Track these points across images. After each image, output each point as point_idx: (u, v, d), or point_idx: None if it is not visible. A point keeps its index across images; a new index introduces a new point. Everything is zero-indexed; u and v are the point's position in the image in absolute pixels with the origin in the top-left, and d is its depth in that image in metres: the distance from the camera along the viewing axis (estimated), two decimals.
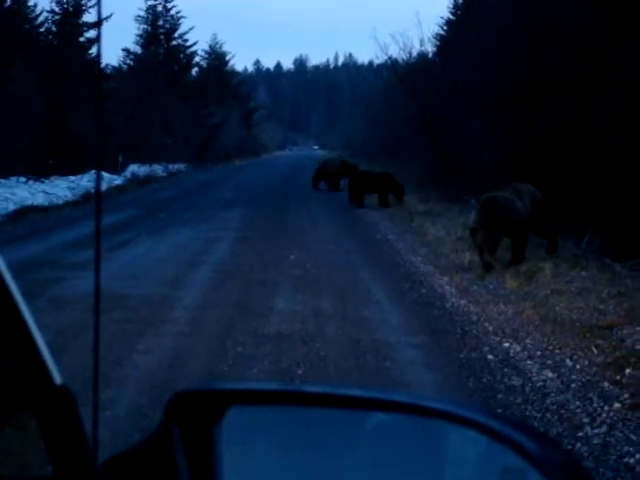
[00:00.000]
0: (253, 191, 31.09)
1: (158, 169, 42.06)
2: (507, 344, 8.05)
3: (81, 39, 39.35)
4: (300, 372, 7.01)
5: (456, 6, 38.55)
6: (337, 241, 16.46)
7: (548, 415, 5.95)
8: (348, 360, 7.51)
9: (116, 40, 53.88)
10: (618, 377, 6.59)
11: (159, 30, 56.14)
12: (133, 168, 38.54)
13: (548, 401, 6.26)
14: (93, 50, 38.54)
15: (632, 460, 5.11)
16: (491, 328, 8.78)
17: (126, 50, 53.68)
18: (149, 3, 55.16)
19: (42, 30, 38.40)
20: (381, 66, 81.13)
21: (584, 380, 6.68)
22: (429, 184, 28.12)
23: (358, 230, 18.71)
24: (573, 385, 6.60)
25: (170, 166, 44.69)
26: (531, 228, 12.54)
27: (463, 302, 10.19)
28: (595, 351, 7.37)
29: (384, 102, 50.28)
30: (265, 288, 11.05)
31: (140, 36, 54.83)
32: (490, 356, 7.62)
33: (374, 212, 22.75)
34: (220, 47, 69.14)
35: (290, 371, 7.02)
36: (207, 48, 67.74)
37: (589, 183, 15.70)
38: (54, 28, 38.82)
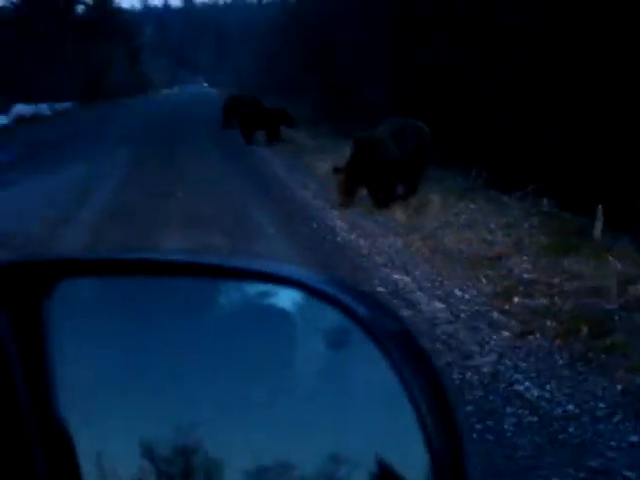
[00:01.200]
0: (141, 131, 30.44)
1: (44, 108, 40.81)
2: (397, 276, 7.99)
3: None
4: None
5: None
6: (226, 177, 16.19)
7: (438, 345, 5.90)
8: None
9: None
10: (507, 306, 6.58)
11: None
12: (19, 108, 37.29)
13: (438, 331, 6.21)
14: None
15: (521, 387, 5.10)
16: (381, 260, 8.71)
17: None
18: None
19: None
20: (270, 4, 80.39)
21: (473, 310, 6.66)
22: (320, 121, 27.96)
23: (247, 166, 18.43)
24: (462, 315, 6.56)
25: (57, 105, 43.42)
26: (400, 173, 12.28)
27: (353, 236, 10.10)
28: (484, 281, 7.36)
29: (273, 38, 49.85)
30: (153, 227, 10.76)
31: None
32: (380, 288, 7.54)
33: (262, 149, 22.46)
34: None
35: None
36: None
37: (476, 116, 15.80)
38: None
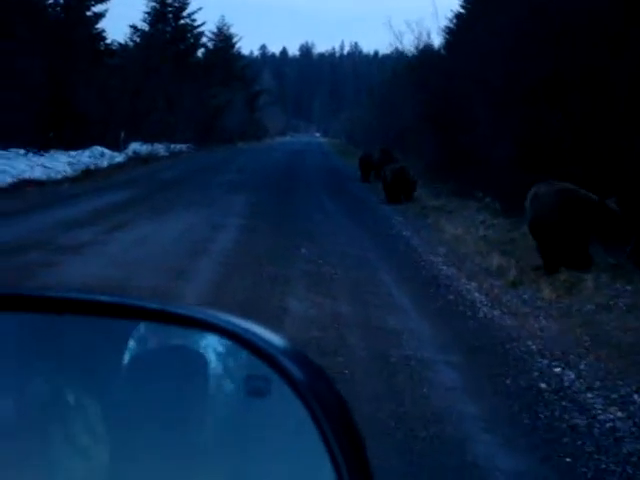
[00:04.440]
0: (257, 176, 30.25)
1: (160, 148, 41.13)
2: (558, 369, 7.01)
3: (88, 13, 38.09)
4: None
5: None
6: (350, 234, 15.48)
7: (629, 469, 4.92)
8: (378, 381, 6.50)
9: (124, 17, 52.97)
10: None
11: (167, 8, 55.18)
12: (135, 146, 37.58)
13: (624, 450, 5.21)
14: (99, 25, 37.54)
15: None
16: (535, 347, 7.74)
17: (133, 27, 52.84)
18: None
19: (49, 2, 37.16)
20: (386, 57, 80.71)
21: None
22: (437, 177, 27.12)
23: (371, 223, 17.71)
24: None
25: (172, 146, 43.77)
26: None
27: (497, 313, 9.17)
28: None
29: (389, 91, 49.75)
30: (276, 284, 10.07)
31: (148, 13, 54.00)
32: (542, 384, 6.58)
33: (384, 206, 21.74)
34: (227, 29, 68.96)
35: None
36: (214, 29, 67.17)
37: (609, 183, 14.71)
38: (61, 0, 37.59)
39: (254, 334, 1.20)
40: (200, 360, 1.26)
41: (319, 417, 1.11)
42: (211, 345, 1.25)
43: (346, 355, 7.13)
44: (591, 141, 17.31)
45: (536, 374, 6.90)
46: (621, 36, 15.71)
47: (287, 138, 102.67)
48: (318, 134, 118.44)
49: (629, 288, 9.67)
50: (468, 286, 10.71)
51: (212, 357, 1.26)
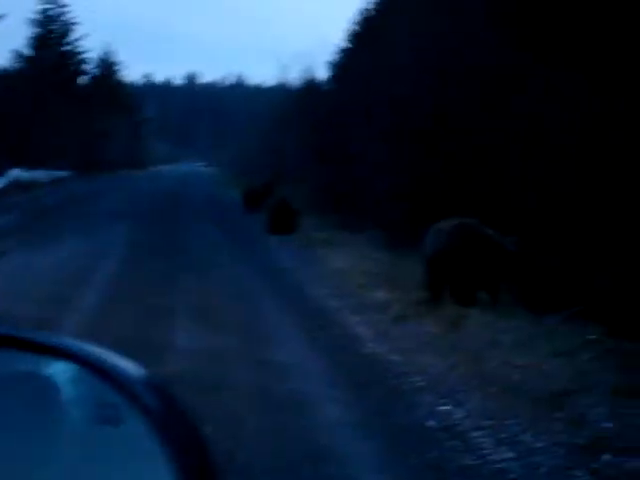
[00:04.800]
0: (141, 204, 29.72)
1: (42, 175, 40.01)
2: (446, 407, 6.87)
3: None
4: None
5: (353, 35, 37.85)
6: (235, 265, 15.19)
7: None
8: (262, 417, 6.24)
9: (8, 42, 51.97)
10: (594, 464, 5.45)
11: (51, 34, 54.04)
12: (16, 172, 36.44)
13: None
14: None
15: None
16: (422, 383, 7.61)
17: (17, 52, 51.69)
18: (43, 6, 53.18)
19: None
20: (271, 88, 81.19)
21: (552, 465, 5.50)
22: (323, 209, 27.07)
23: (255, 254, 17.45)
24: (542, 470, 5.44)
25: (55, 173, 42.64)
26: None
27: (383, 348, 9.01)
28: (555, 426, 6.23)
29: (274, 122, 49.96)
30: (161, 317, 9.73)
31: (31, 39, 52.80)
32: (430, 422, 6.42)
33: (269, 237, 21.50)
34: (112, 56, 67.99)
35: None
36: (99, 56, 66.15)
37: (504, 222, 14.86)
38: None
39: (107, 361, 1.17)
40: (50, 387, 1.21)
41: (170, 448, 1.08)
42: (62, 372, 1.20)
43: (232, 389, 6.86)
44: (476, 175, 17.50)
45: (424, 411, 6.75)
46: (511, 69, 15.95)
47: (171, 167, 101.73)
48: (203, 163, 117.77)
49: (513, 325, 9.66)
50: (354, 320, 10.56)
51: (63, 384, 1.21)
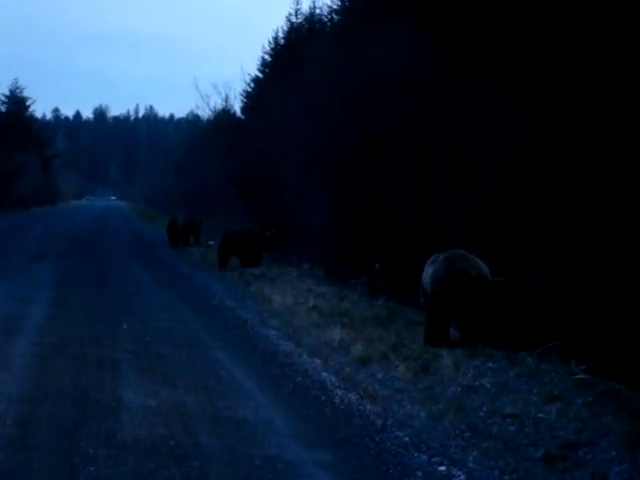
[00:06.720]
0: (60, 242, 28.52)
1: None
2: (442, 467, 6.10)
3: None
4: None
5: (264, 64, 37.30)
6: (170, 306, 14.23)
7: None
8: None
9: None
10: None
11: None
12: None
13: None
14: None
15: None
16: (407, 439, 6.82)
17: None
18: None
19: None
20: (182, 120, 79.92)
21: None
22: None
23: (190, 293, 16.49)
24: None
25: None
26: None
27: (354, 397, 8.20)
28: None
29: (187, 154, 49.20)
30: (104, 369, 8.78)
31: None
32: None
33: (200, 273, 20.57)
34: (20, 92, 66.20)
35: None
36: (7, 92, 64.37)
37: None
38: None
39: None
40: None
41: None
42: None
43: (202, 458, 5.97)
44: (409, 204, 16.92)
45: (419, 474, 5.97)
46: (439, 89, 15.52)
47: (83, 202, 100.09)
48: (114, 198, 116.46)
49: (491, 365, 8.96)
50: (313, 364, 9.72)
51: None
